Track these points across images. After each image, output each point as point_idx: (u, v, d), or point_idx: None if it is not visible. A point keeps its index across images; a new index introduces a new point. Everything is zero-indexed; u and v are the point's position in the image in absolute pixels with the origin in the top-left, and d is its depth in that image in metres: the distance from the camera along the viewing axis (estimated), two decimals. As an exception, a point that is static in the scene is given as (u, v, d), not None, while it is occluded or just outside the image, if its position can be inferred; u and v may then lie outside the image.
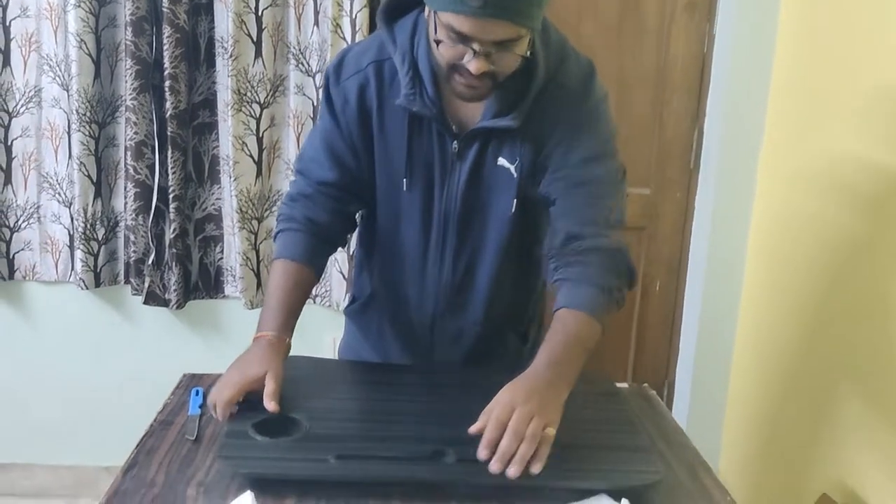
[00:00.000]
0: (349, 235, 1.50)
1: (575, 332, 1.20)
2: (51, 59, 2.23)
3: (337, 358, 1.67)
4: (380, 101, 1.30)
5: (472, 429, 1.08)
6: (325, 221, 1.36)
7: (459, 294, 1.41)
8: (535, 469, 1.04)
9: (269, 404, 1.17)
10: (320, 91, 1.40)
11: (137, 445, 1.19)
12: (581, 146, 1.27)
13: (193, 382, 1.41)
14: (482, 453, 1.05)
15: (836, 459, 1.85)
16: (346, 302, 2.31)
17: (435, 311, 1.43)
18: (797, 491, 1.98)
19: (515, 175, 1.30)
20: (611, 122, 1.32)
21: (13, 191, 2.32)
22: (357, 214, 1.44)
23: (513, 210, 1.32)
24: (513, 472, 1.03)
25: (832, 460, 1.87)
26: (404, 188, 1.33)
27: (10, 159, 2.30)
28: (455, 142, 1.29)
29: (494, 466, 1.04)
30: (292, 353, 1.49)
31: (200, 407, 1.30)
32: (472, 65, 1.13)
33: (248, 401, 1.20)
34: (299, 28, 2.22)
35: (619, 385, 1.43)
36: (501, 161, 1.30)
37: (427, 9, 1.18)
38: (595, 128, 1.29)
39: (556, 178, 1.28)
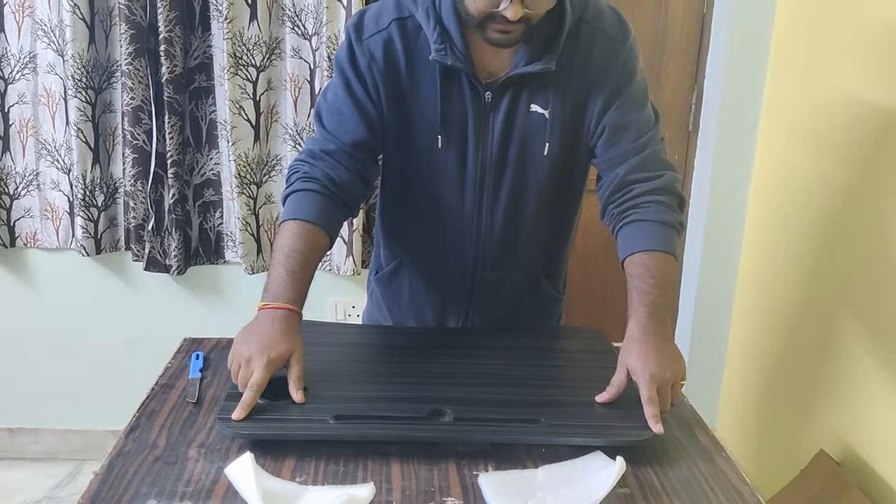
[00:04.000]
0: (361, 205, 1.45)
1: (660, 272, 1.24)
2: (45, 25, 2.21)
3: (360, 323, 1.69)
4: (408, 58, 1.30)
5: (602, 398, 1.18)
6: (346, 182, 1.30)
7: (500, 246, 1.41)
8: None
9: (297, 394, 1.13)
10: (338, 51, 1.37)
11: (139, 408, 1.20)
12: (621, 93, 1.32)
13: (194, 347, 1.42)
14: (657, 428, 1.10)
15: (833, 417, 1.87)
16: (366, 269, 2.33)
17: (475, 264, 1.43)
18: (795, 448, 2.01)
19: (549, 119, 1.31)
20: (641, 64, 1.36)
21: (12, 158, 2.32)
22: (372, 181, 1.40)
23: (545, 153, 1.33)
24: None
25: (829, 418, 1.89)
26: (439, 146, 1.32)
27: (7, 126, 2.29)
28: (488, 92, 1.30)
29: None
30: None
31: (201, 371, 1.31)
32: (510, 11, 1.15)
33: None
34: (294, -10, 2.20)
35: (615, 344, 1.43)
36: (534, 107, 1.31)
37: None
38: (632, 72, 1.33)
39: (601, 127, 1.32)
